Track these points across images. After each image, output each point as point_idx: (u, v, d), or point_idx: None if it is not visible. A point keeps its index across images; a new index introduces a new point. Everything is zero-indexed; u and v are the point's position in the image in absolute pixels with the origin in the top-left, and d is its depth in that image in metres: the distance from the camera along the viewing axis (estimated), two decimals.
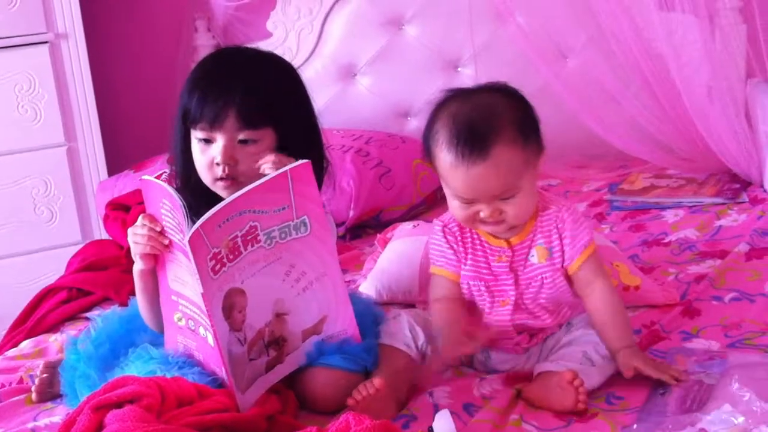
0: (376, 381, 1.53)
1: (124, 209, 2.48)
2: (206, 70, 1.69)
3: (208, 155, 1.65)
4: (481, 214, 1.59)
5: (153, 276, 1.61)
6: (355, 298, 1.74)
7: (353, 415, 1.38)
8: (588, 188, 2.70)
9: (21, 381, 1.83)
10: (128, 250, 1.63)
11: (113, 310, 1.86)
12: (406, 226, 2.24)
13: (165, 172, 1.76)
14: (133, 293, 1.70)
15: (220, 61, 1.73)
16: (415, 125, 2.96)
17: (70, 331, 2.04)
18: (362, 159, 2.61)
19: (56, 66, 2.73)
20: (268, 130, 1.65)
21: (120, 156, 2.94)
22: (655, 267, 2.08)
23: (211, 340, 1.51)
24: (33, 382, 1.76)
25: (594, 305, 1.63)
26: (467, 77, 2.89)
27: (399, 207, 2.61)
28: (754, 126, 2.53)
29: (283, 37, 3.04)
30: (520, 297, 1.66)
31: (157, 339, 1.65)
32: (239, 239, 1.49)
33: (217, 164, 1.64)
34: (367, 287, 2.03)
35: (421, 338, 1.67)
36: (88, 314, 2.13)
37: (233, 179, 1.64)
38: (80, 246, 2.59)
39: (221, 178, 1.64)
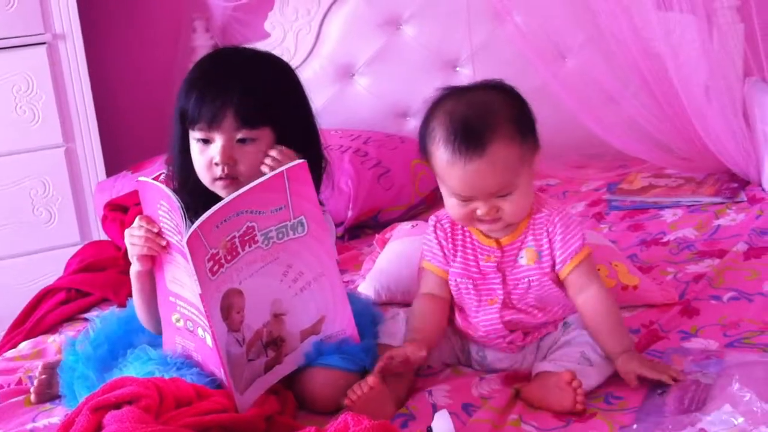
0: (370, 379, 1.54)
1: (122, 210, 2.48)
2: (203, 71, 1.70)
3: (206, 155, 1.65)
4: (478, 212, 1.59)
5: (150, 277, 1.61)
6: (354, 299, 1.74)
7: (352, 416, 1.39)
8: (587, 188, 2.70)
9: (20, 382, 1.83)
10: (126, 251, 1.63)
11: (111, 311, 1.86)
12: (405, 226, 2.24)
13: (163, 173, 1.76)
14: (131, 294, 1.70)
15: (217, 61, 1.73)
16: (413, 125, 2.95)
17: (69, 332, 2.04)
18: (361, 159, 2.61)
19: (54, 67, 2.73)
20: (266, 129, 1.65)
21: (118, 157, 2.94)
22: (653, 266, 2.08)
23: (209, 340, 1.51)
24: (32, 383, 1.76)
25: (588, 311, 1.63)
26: (465, 77, 2.89)
27: (397, 207, 2.61)
28: (752, 125, 2.53)
29: (281, 37, 3.04)
30: (507, 296, 1.66)
31: (156, 340, 1.65)
32: (237, 240, 1.49)
33: (216, 164, 1.64)
34: (366, 287, 2.03)
35: None
36: (86, 315, 2.13)
37: (232, 179, 1.64)
38: (79, 247, 2.59)
39: (220, 178, 1.65)
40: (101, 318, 1.80)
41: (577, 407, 1.50)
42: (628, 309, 1.88)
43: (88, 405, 1.39)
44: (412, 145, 2.70)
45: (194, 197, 1.65)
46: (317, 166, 1.74)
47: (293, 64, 2.66)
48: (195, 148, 1.67)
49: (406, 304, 1.93)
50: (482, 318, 1.68)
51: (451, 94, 1.63)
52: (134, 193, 2.42)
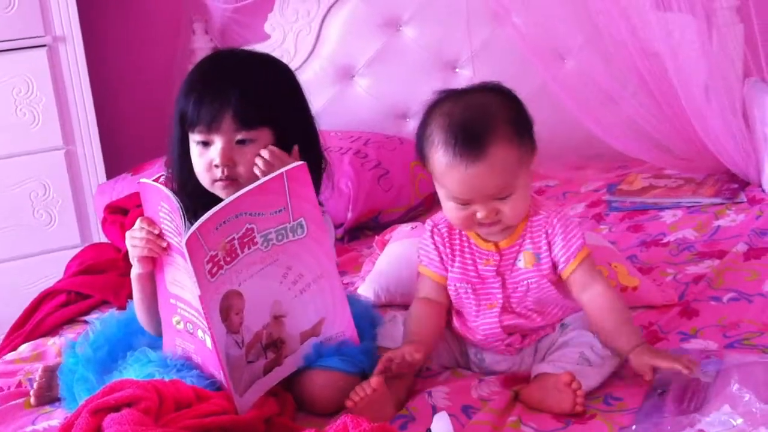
0: (373, 381, 1.53)
1: (122, 212, 2.49)
2: (202, 73, 1.70)
3: (206, 157, 1.65)
4: (478, 215, 1.59)
5: (151, 279, 1.61)
6: (353, 301, 1.74)
7: (351, 418, 1.38)
8: (586, 189, 2.70)
9: (20, 384, 1.83)
10: (126, 253, 1.63)
11: (111, 314, 1.86)
12: (405, 228, 2.24)
13: (163, 175, 1.76)
14: (131, 296, 1.70)
15: (215, 63, 1.74)
16: (413, 126, 2.93)
17: (69, 334, 2.04)
18: (360, 160, 2.61)
19: (54, 69, 2.73)
20: (264, 130, 1.65)
21: (118, 159, 2.94)
22: (653, 267, 2.08)
23: (209, 342, 1.51)
24: (31, 386, 1.76)
25: (595, 309, 1.62)
26: (465, 78, 2.89)
27: (397, 209, 2.61)
28: (752, 126, 2.52)
29: (281, 39, 3.04)
30: (507, 300, 1.66)
31: (156, 342, 1.65)
32: (236, 242, 1.50)
33: (216, 166, 1.64)
34: (366, 289, 2.03)
35: None
36: (86, 318, 2.13)
37: (232, 180, 1.64)
38: (79, 249, 2.59)
39: (220, 180, 1.65)
40: (101, 320, 1.80)
41: (576, 409, 1.50)
42: None
43: (87, 407, 1.39)
44: (412, 146, 2.69)
45: (193, 199, 1.65)
46: (317, 167, 1.74)
47: (293, 65, 2.68)
48: (194, 150, 1.67)
49: (406, 306, 1.93)
50: (481, 322, 1.67)
51: (448, 97, 1.63)
52: (134, 196, 2.43)
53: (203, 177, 1.67)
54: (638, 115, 2.65)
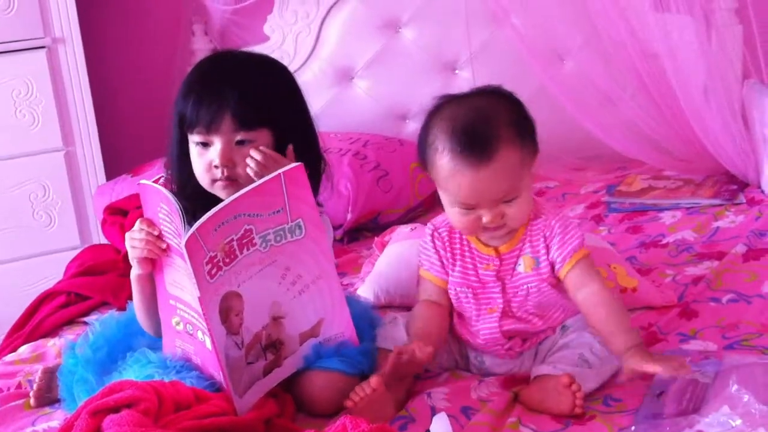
0: (373, 381, 1.53)
1: (121, 213, 2.49)
2: (200, 75, 1.70)
3: (206, 159, 1.66)
4: (484, 220, 1.58)
5: (150, 280, 1.61)
6: (352, 302, 1.74)
7: (350, 419, 1.38)
8: (585, 190, 2.70)
9: (19, 386, 1.83)
10: (126, 254, 1.63)
11: (111, 315, 1.86)
12: (404, 229, 2.24)
13: (162, 176, 1.76)
14: (131, 298, 1.70)
15: (213, 64, 1.74)
16: (412, 128, 2.96)
17: (68, 335, 2.04)
18: (360, 162, 2.61)
19: (54, 71, 2.73)
20: (263, 130, 1.66)
21: (118, 160, 2.94)
22: (652, 269, 2.08)
23: (208, 343, 1.51)
24: (31, 387, 1.76)
25: (590, 308, 1.62)
26: (465, 80, 2.90)
27: (397, 210, 2.61)
28: (751, 127, 2.53)
29: (280, 40, 3.04)
30: (507, 304, 1.66)
31: (155, 343, 1.65)
32: (235, 243, 1.50)
33: (216, 167, 1.64)
34: (365, 290, 2.03)
35: None
36: (86, 319, 2.13)
37: (232, 180, 1.65)
38: (78, 250, 2.59)
39: (220, 179, 1.65)
40: (101, 321, 1.81)
41: (576, 410, 1.50)
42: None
43: (87, 408, 1.39)
44: (411, 147, 2.70)
45: (193, 201, 1.65)
46: (316, 168, 1.74)
47: (292, 67, 2.68)
48: (194, 151, 1.67)
49: (405, 308, 1.93)
50: (481, 327, 1.67)
51: (449, 102, 1.62)
52: (134, 197, 2.43)
53: (203, 178, 1.68)
54: (637, 116, 2.65)
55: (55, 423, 1.62)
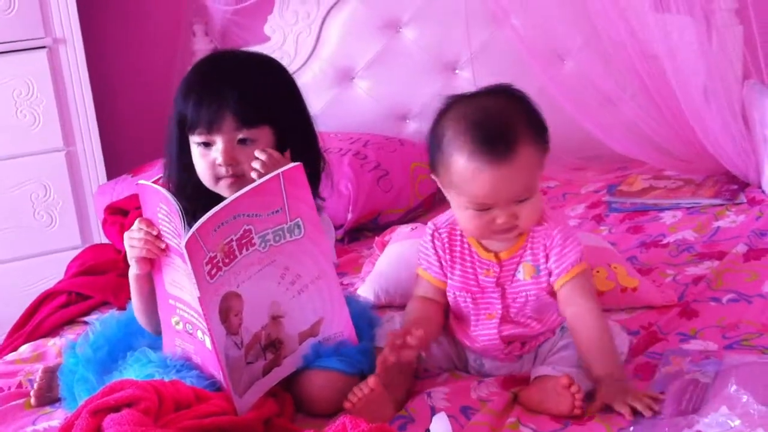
0: (371, 381, 1.53)
1: (122, 213, 2.49)
2: (199, 75, 1.70)
3: (208, 158, 1.66)
4: (498, 221, 1.56)
5: (149, 280, 1.61)
6: (351, 301, 1.74)
7: (350, 418, 1.39)
8: (586, 190, 2.70)
9: (20, 385, 1.83)
10: (126, 254, 1.64)
11: (111, 314, 1.86)
12: (404, 229, 2.24)
13: (161, 176, 1.76)
14: (131, 297, 1.70)
15: (212, 64, 1.74)
16: (413, 128, 2.96)
17: (69, 335, 2.05)
18: (360, 162, 2.61)
19: (54, 71, 2.73)
20: (265, 128, 1.66)
21: (118, 160, 2.95)
22: (653, 268, 2.08)
23: (208, 343, 1.51)
24: (32, 387, 1.76)
25: (576, 327, 1.59)
26: (465, 80, 2.90)
27: (397, 210, 2.61)
28: (751, 128, 2.53)
29: (280, 41, 3.04)
30: (506, 310, 1.65)
31: (156, 342, 1.65)
32: (234, 243, 1.50)
33: (219, 165, 1.65)
34: (366, 290, 2.03)
35: None
36: (86, 318, 2.14)
37: (237, 177, 1.65)
38: (79, 250, 2.59)
39: (225, 177, 1.65)
40: (101, 321, 1.81)
41: (575, 411, 1.49)
42: (627, 311, 1.89)
43: (87, 408, 1.39)
44: (412, 147, 2.73)
45: (192, 201, 1.65)
46: (316, 167, 1.75)
47: (293, 67, 2.69)
48: (195, 151, 1.67)
49: (405, 308, 1.93)
50: (480, 332, 1.67)
51: (460, 101, 1.59)
52: (134, 197, 2.42)
53: (206, 176, 1.67)
54: (637, 116, 2.65)
55: (56, 422, 1.62)
